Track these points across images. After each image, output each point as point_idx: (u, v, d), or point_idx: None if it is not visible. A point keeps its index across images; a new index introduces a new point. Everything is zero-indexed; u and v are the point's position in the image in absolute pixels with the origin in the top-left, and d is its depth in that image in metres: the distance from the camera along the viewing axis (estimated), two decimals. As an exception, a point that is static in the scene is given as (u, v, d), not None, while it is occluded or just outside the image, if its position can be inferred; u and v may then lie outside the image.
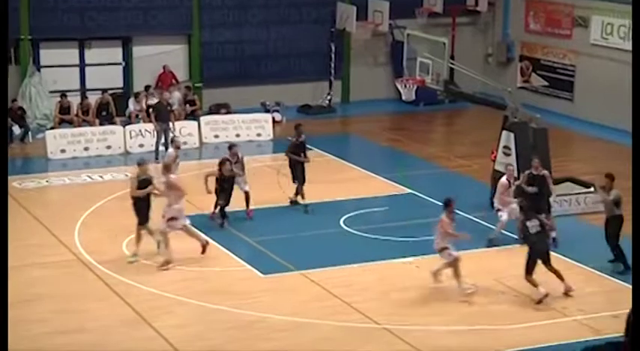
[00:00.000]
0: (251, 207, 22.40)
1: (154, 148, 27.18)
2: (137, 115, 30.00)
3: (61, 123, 29.51)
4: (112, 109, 29.92)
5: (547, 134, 23.44)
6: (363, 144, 30.13)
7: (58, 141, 27.82)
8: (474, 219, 21.83)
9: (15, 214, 21.53)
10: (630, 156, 16.78)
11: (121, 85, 31.98)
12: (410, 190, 24.86)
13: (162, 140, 27.35)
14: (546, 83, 33.95)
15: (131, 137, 28.36)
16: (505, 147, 23.25)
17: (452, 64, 26.44)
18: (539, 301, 18.02)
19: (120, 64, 32.06)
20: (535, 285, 18.09)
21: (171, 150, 23.27)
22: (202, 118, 29.85)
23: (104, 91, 30.35)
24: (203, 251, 20.19)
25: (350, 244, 21.32)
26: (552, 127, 25.20)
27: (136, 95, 30.52)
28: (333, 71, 33.76)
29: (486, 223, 21.91)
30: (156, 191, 19.94)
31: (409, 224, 22.29)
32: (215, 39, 32.74)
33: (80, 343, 16.60)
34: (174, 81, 31.80)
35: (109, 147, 28.14)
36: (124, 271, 19.48)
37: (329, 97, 33.71)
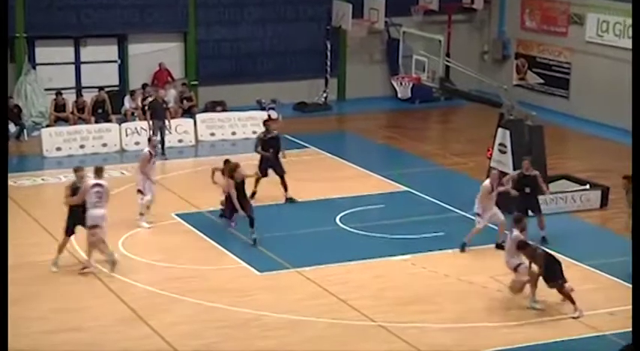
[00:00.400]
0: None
1: (149, 146, 27.14)
2: (133, 113, 30.00)
3: (57, 121, 29.49)
4: (107, 106, 29.88)
5: (543, 132, 23.46)
6: (358, 142, 30.13)
7: (54, 139, 27.80)
8: (470, 216, 21.81)
9: (10, 213, 21.46)
10: (626, 153, 16.80)
11: (116, 82, 31.95)
12: (406, 188, 24.87)
13: (158, 138, 27.34)
14: (542, 81, 33.95)
15: (127, 135, 28.35)
16: (501, 144, 23.27)
17: (448, 61, 26.43)
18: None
19: (115, 61, 32.02)
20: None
21: (145, 149, 22.45)
22: (198, 116, 29.83)
23: (100, 88, 30.31)
24: (83, 269, 19.30)
25: (346, 241, 21.32)
26: (548, 124, 25.20)
27: (132, 93, 30.52)
28: (329, 69, 33.75)
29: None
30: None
31: (405, 222, 22.31)
32: (211, 37, 32.73)
33: (77, 342, 16.60)
34: (169, 79, 31.79)
35: (104, 145, 28.12)
36: (121, 269, 19.46)
37: (325, 95, 33.70)
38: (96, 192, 19.36)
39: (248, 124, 29.82)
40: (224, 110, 31.09)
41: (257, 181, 23.40)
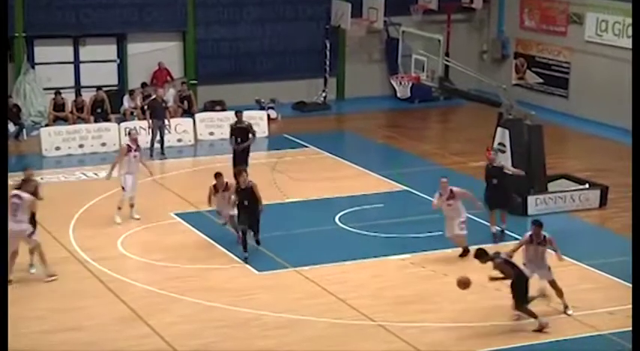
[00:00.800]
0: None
1: (148, 146, 27.13)
2: (132, 113, 30.00)
3: (56, 120, 29.48)
4: (106, 106, 29.88)
5: (542, 131, 23.47)
6: (358, 141, 30.13)
7: (53, 138, 27.80)
8: (469, 216, 21.78)
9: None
10: (626, 153, 16.79)
11: (115, 82, 31.94)
12: (405, 187, 24.87)
13: (158, 137, 27.37)
14: (541, 80, 33.95)
15: (126, 134, 28.32)
16: (500, 144, 23.27)
17: (447, 61, 26.43)
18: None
19: (114, 61, 32.02)
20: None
21: (123, 144, 22.34)
22: (197, 115, 29.83)
23: (99, 88, 30.32)
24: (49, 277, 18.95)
25: (345, 241, 21.33)
26: (547, 124, 25.20)
27: (131, 92, 30.52)
28: (327, 68, 33.75)
29: (481, 220, 21.88)
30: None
31: (404, 221, 22.31)
32: (210, 36, 32.73)
33: (76, 342, 16.60)
34: (169, 78, 31.80)
35: (103, 144, 28.12)
36: (120, 269, 19.48)
37: (324, 94, 33.69)
38: (12, 203, 18.39)
39: (247, 123, 29.80)
40: (223, 110, 31.09)
41: (238, 174, 22.61)
